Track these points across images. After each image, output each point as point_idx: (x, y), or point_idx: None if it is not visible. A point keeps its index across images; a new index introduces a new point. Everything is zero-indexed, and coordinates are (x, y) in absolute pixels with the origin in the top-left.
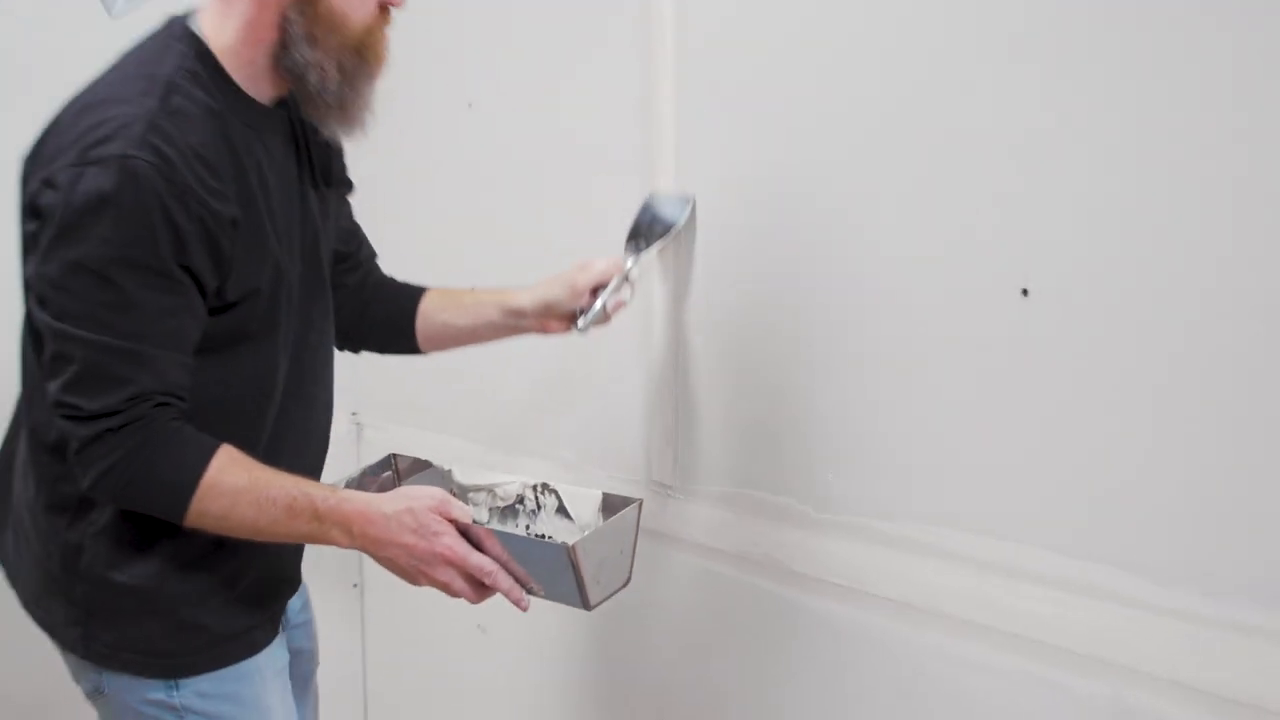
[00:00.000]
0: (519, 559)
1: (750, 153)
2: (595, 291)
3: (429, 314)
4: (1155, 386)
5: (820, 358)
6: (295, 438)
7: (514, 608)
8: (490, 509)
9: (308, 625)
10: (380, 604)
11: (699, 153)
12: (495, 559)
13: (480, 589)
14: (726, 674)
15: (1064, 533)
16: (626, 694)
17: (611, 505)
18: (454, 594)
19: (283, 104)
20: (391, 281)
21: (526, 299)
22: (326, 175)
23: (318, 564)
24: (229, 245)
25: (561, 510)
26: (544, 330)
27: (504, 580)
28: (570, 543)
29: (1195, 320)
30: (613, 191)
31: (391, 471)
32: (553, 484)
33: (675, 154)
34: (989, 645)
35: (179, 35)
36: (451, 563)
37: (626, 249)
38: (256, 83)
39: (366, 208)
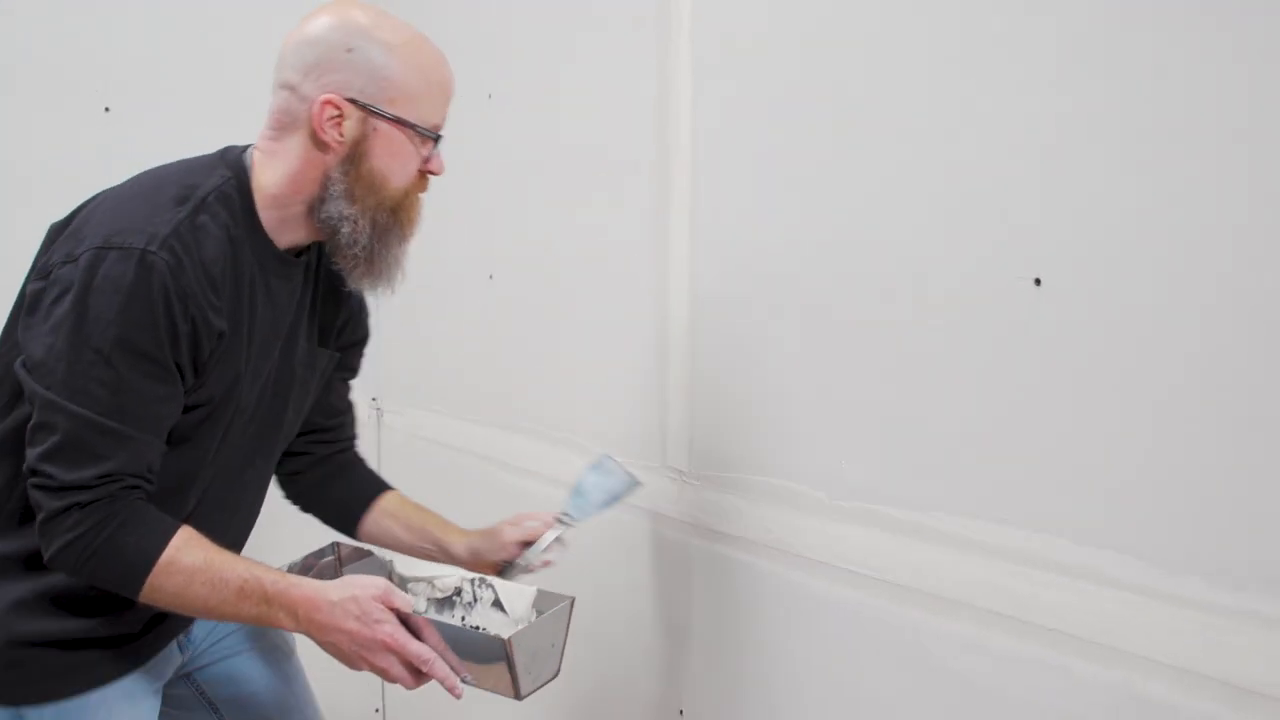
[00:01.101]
0: (456, 648)
1: (765, 142)
2: (526, 544)
3: (377, 518)
4: (1169, 375)
5: (835, 345)
6: None
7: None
8: (429, 599)
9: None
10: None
11: (714, 140)
12: (433, 648)
13: (417, 675)
14: (741, 660)
15: (1076, 521)
16: (638, 680)
17: (545, 601)
18: (391, 679)
19: (301, 253)
20: (358, 469)
21: (459, 545)
22: (325, 336)
23: None
24: (209, 355)
25: (497, 604)
26: (476, 570)
27: (440, 668)
28: (506, 636)
29: (1210, 309)
30: (629, 181)
31: (334, 558)
32: (489, 579)
33: (691, 141)
34: (1001, 632)
35: (229, 163)
36: (391, 649)
37: (563, 512)
38: (283, 227)
39: None
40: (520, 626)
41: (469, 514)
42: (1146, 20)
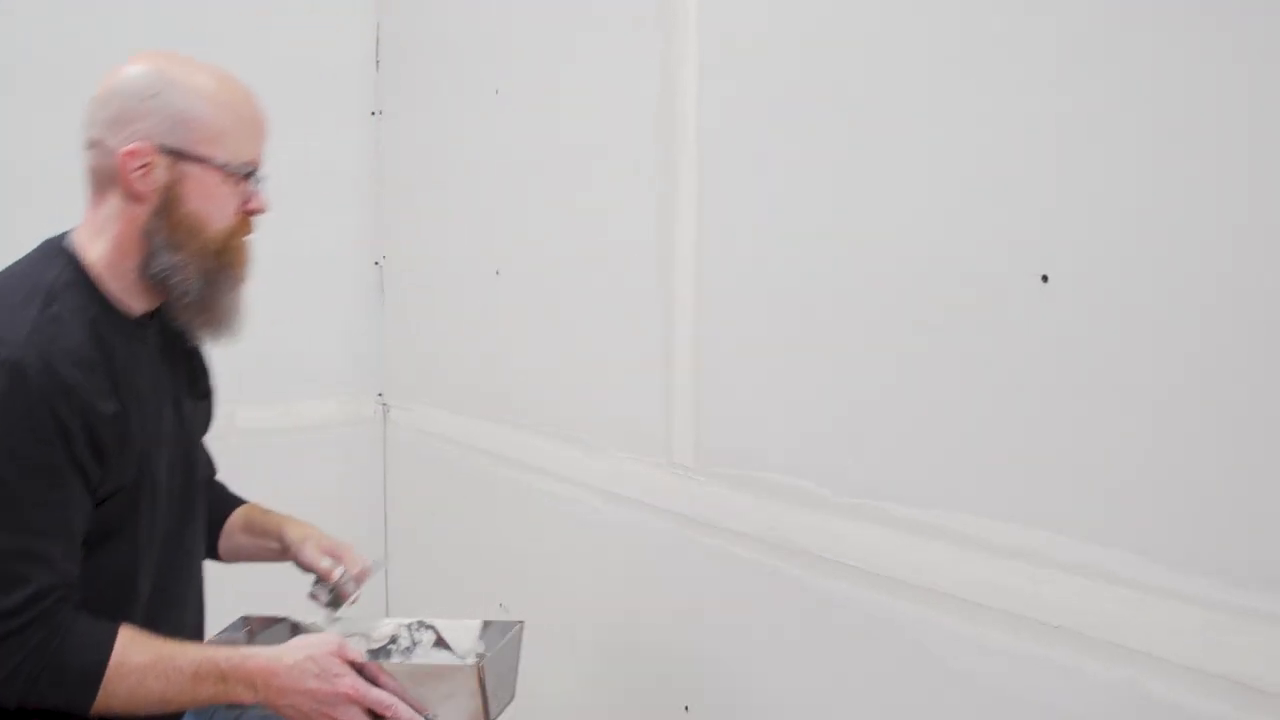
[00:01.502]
0: (415, 688)
1: (771, 139)
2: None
3: (227, 536)
4: (1173, 372)
5: (839, 342)
6: (165, 634)
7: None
8: (366, 651)
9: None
10: (405, 582)
11: (720, 137)
12: (393, 692)
13: None
14: (745, 656)
15: (1080, 518)
16: (643, 676)
17: (491, 630)
18: None
19: (154, 316)
20: (218, 493)
21: (293, 533)
22: (195, 389)
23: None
24: (109, 440)
25: (440, 643)
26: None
27: (404, 710)
28: (476, 662)
29: (1213, 307)
30: (635, 178)
31: (247, 630)
32: (429, 620)
33: (696, 138)
34: (1004, 630)
35: (56, 251)
36: (354, 701)
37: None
38: (129, 295)
39: (389, 192)
40: (488, 654)
41: (474, 510)
42: (1151, 17)
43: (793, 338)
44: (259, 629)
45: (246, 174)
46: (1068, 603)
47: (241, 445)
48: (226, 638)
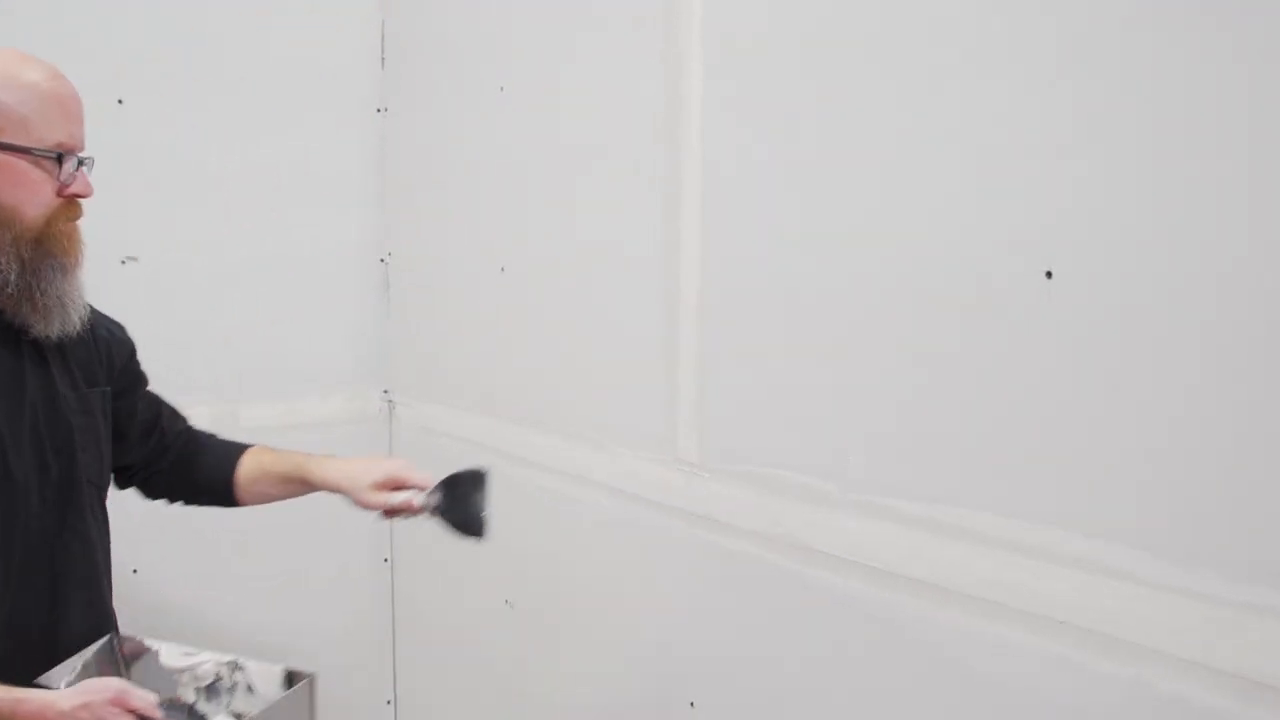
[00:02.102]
0: None
1: (775, 136)
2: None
3: (248, 486)
4: (1179, 368)
5: (844, 338)
6: (36, 635)
7: (534, 589)
8: (196, 689)
9: None
10: (410, 578)
11: (724, 134)
12: None
13: None
14: (750, 653)
15: (1086, 514)
16: (650, 670)
17: (296, 680)
18: None
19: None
20: (209, 448)
21: (331, 471)
22: (92, 376)
23: (350, 539)
24: None
25: (250, 687)
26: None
27: None
28: (250, 716)
29: (1219, 303)
30: (640, 174)
31: (116, 651)
32: (241, 662)
33: (701, 136)
34: (1011, 626)
35: None
36: None
37: (432, 494)
38: None
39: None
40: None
41: None
42: (1154, 15)
43: (797, 334)
44: (131, 652)
45: (57, 156)
46: (1072, 598)
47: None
48: (90, 658)
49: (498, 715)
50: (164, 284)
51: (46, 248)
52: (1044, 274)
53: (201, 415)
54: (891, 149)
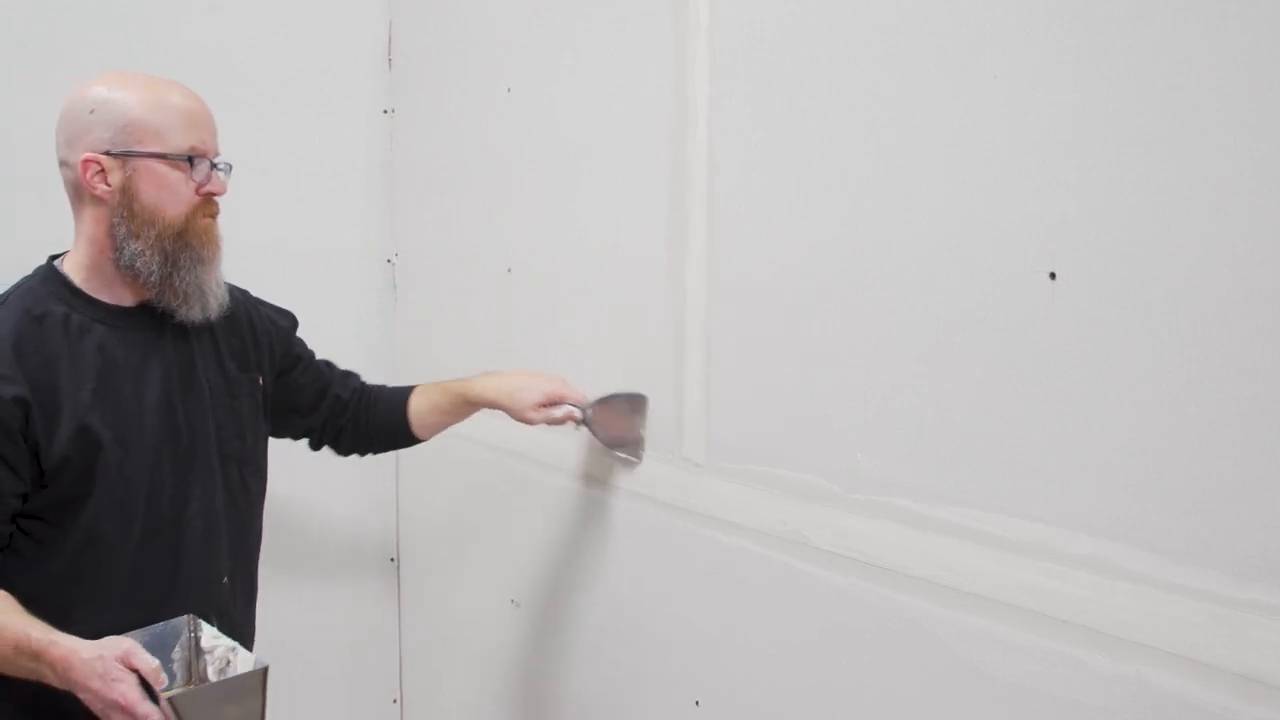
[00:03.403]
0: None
1: (781, 134)
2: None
3: (420, 423)
4: (1183, 367)
5: (850, 338)
6: (161, 591)
7: (540, 589)
8: (216, 670)
9: None
10: (416, 578)
11: (731, 134)
12: (162, 709)
13: None
14: (755, 651)
15: (1090, 513)
16: (656, 668)
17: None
18: None
19: (152, 304)
20: (379, 398)
21: (491, 390)
22: (244, 362)
23: (356, 538)
24: (9, 419)
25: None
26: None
27: None
28: (171, 694)
29: (1223, 302)
30: (647, 174)
31: (189, 634)
32: (238, 646)
33: (708, 135)
34: (1014, 624)
35: (40, 269)
36: (123, 710)
37: (590, 409)
38: (113, 288)
39: (402, 190)
40: (191, 687)
41: (485, 505)
42: (1160, 13)
43: (803, 334)
44: (195, 637)
45: (190, 159)
46: (1077, 597)
47: None
48: (155, 629)
49: (503, 714)
50: None
51: (186, 241)
52: (1048, 274)
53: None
54: (897, 149)
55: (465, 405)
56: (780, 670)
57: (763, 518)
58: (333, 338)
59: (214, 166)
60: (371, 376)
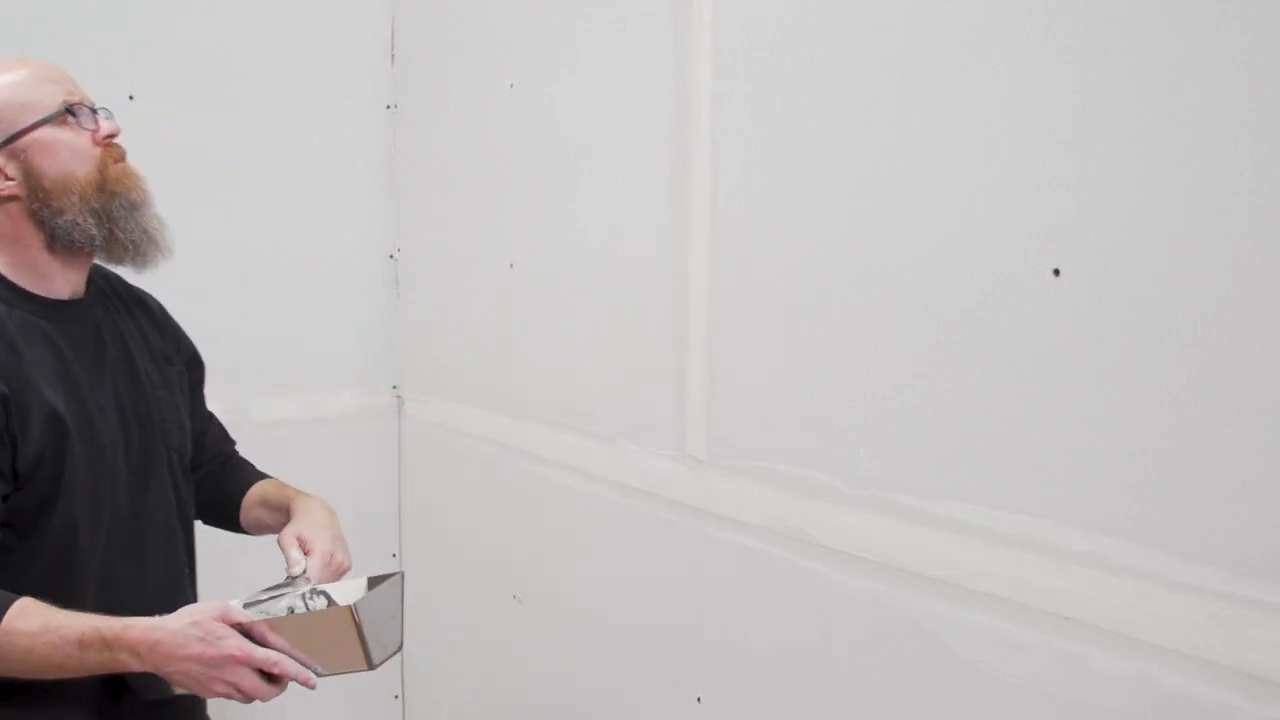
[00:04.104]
0: (304, 643)
1: (785, 131)
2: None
3: (247, 510)
4: (1186, 364)
5: (852, 334)
6: (129, 596)
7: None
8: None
9: None
10: (418, 573)
11: (735, 130)
12: (279, 649)
13: (272, 682)
14: (757, 648)
15: (1093, 510)
16: (658, 665)
17: (376, 583)
18: (247, 692)
19: (88, 296)
20: (234, 471)
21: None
22: (168, 356)
23: (357, 534)
24: (6, 418)
25: (331, 603)
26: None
27: (291, 666)
28: (351, 603)
29: (1226, 299)
30: (650, 169)
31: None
32: (322, 588)
33: (711, 131)
34: (1017, 622)
35: None
36: (241, 662)
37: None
38: (47, 280)
39: (404, 186)
40: (358, 598)
41: (487, 501)
42: (1164, 11)
43: (806, 331)
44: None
45: (70, 111)
46: (1079, 594)
47: (256, 437)
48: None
49: (505, 710)
50: (174, 279)
51: (110, 191)
52: (1051, 271)
53: (212, 410)
54: (897, 148)
55: (282, 515)
56: (782, 667)
57: (764, 514)
58: (334, 334)
59: (95, 112)
60: (373, 375)
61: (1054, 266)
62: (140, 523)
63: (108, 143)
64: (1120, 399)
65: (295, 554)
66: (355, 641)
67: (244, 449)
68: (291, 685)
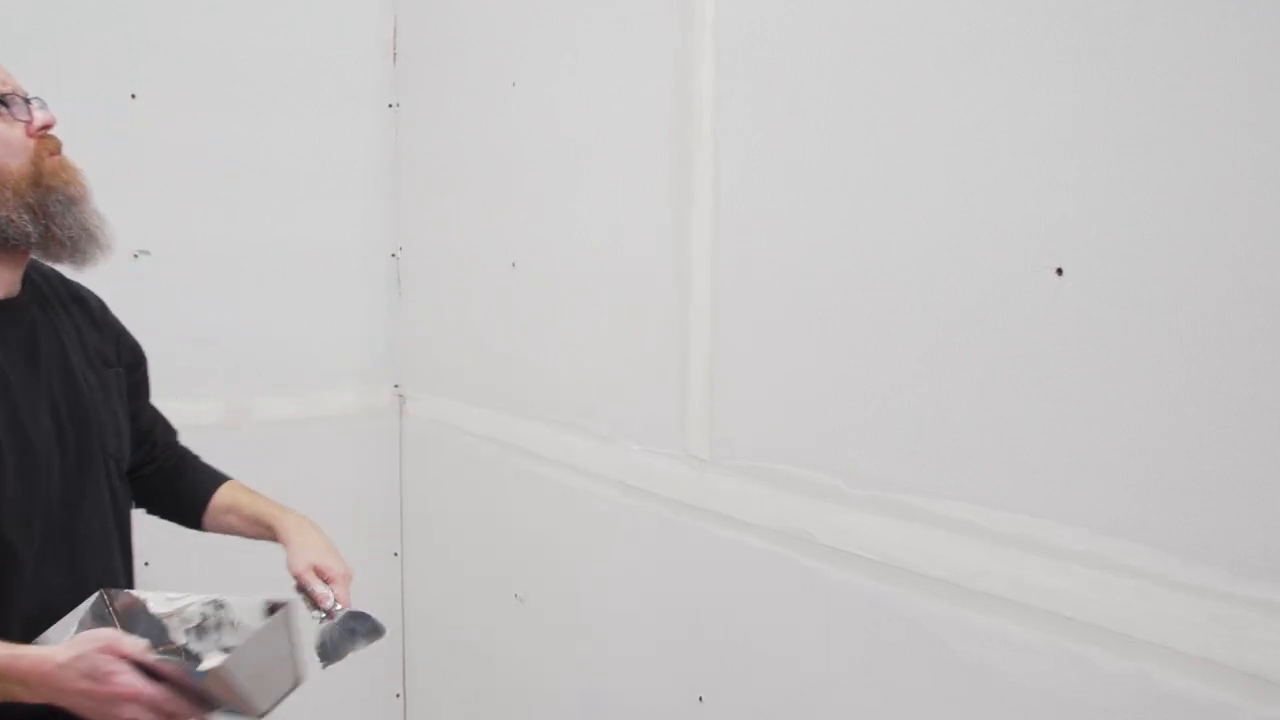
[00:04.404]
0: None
1: (787, 130)
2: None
3: (215, 515)
4: (1189, 363)
5: (854, 334)
6: (58, 599)
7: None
8: (185, 631)
9: None
10: (419, 572)
11: (737, 129)
12: (175, 680)
13: (170, 717)
14: (759, 648)
15: (1096, 511)
16: (658, 663)
17: (276, 609)
18: None
19: (24, 295)
20: (191, 468)
21: (277, 530)
22: (106, 358)
23: (360, 533)
24: None
25: (233, 623)
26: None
27: (182, 706)
28: (219, 665)
29: (1228, 299)
30: (652, 168)
31: (104, 604)
32: (221, 599)
33: (714, 129)
34: (1018, 622)
35: None
36: (132, 699)
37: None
38: None
39: (406, 185)
40: (227, 655)
41: (489, 500)
42: (1163, 11)
43: (808, 331)
44: (120, 608)
45: (2, 102)
46: (1082, 594)
47: (258, 436)
48: (83, 616)
49: (506, 709)
50: (176, 278)
51: (46, 185)
52: (1054, 271)
53: (214, 409)
54: (898, 148)
55: (262, 529)
56: (783, 666)
57: (766, 513)
58: (336, 332)
59: (28, 102)
60: (374, 374)
61: (1057, 266)
62: (75, 532)
63: (43, 134)
64: (1120, 399)
65: (321, 589)
66: (236, 694)
67: (245, 448)
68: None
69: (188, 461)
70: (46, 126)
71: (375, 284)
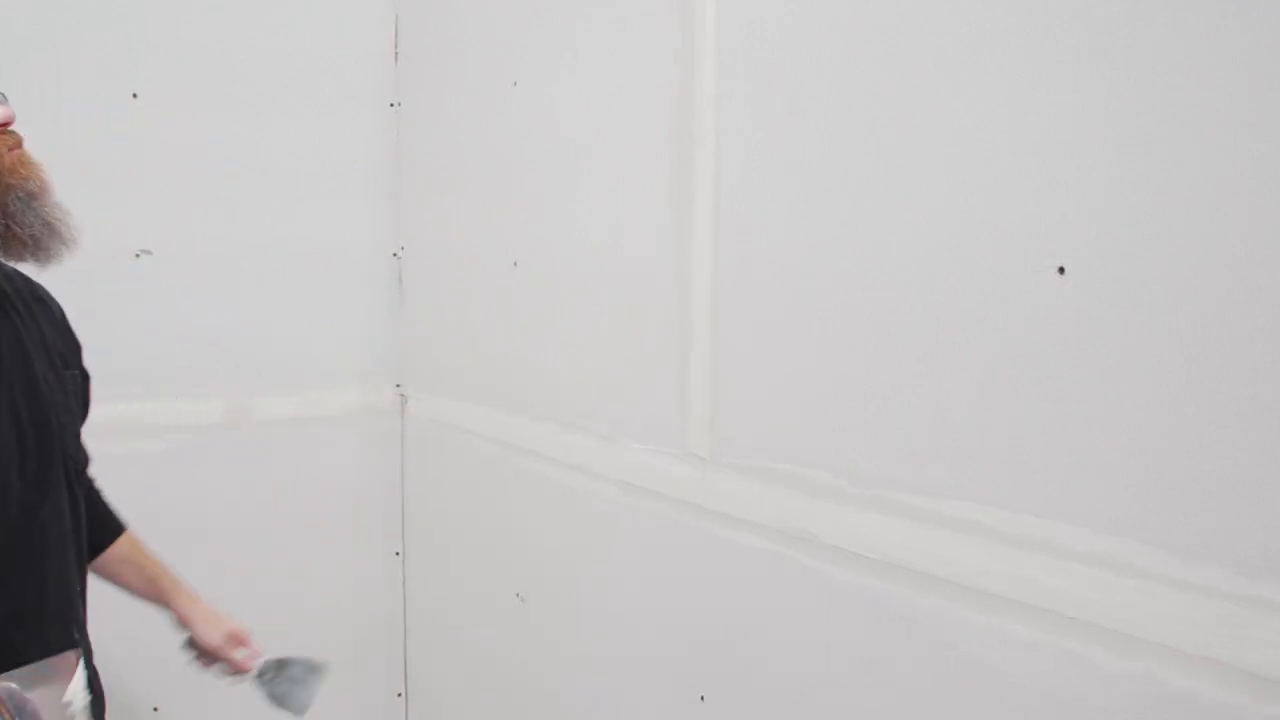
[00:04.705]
0: None
1: (788, 129)
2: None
3: (112, 563)
4: (1192, 362)
5: (855, 333)
6: (20, 605)
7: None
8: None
9: None
10: (421, 572)
11: (738, 127)
12: None
13: None
14: (760, 647)
15: (1099, 510)
16: (660, 663)
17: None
18: None
19: None
20: (95, 507)
21: (184, 608)
22: (67, 361)
23: (362, 533)
24: None
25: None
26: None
27: None
28: None
29: (1231, 297)
30: (653, 166)
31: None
32: (34, 669)
33: (715, 128)
34: (1021, 621)
35: None
36: None
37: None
38: None
39: (408, 184)
40: None
41: (490, 500)
42: (1163, 11)
43: (808, 330)
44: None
45: None
46: (1083, 594)
47: (259, 435)
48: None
49: (508, 708)
50: (177, 278)
51: (5, 182)
52: (1056, 269)
53: (214, 409)
54: (898, 148)
55: (153, 593)
56: (784, 665)
57: (767, 512)
58: (337, 332)
59: None
60: (375, 374)
61: (1058, 265)
62: (33, 538)
63: (2, 131)
64: (1121, 398)
65: (243, 654)
66: None
67: (245, 448)
68: None
69: (93, 496)
70: (6, 123)
71: (376, 284)
